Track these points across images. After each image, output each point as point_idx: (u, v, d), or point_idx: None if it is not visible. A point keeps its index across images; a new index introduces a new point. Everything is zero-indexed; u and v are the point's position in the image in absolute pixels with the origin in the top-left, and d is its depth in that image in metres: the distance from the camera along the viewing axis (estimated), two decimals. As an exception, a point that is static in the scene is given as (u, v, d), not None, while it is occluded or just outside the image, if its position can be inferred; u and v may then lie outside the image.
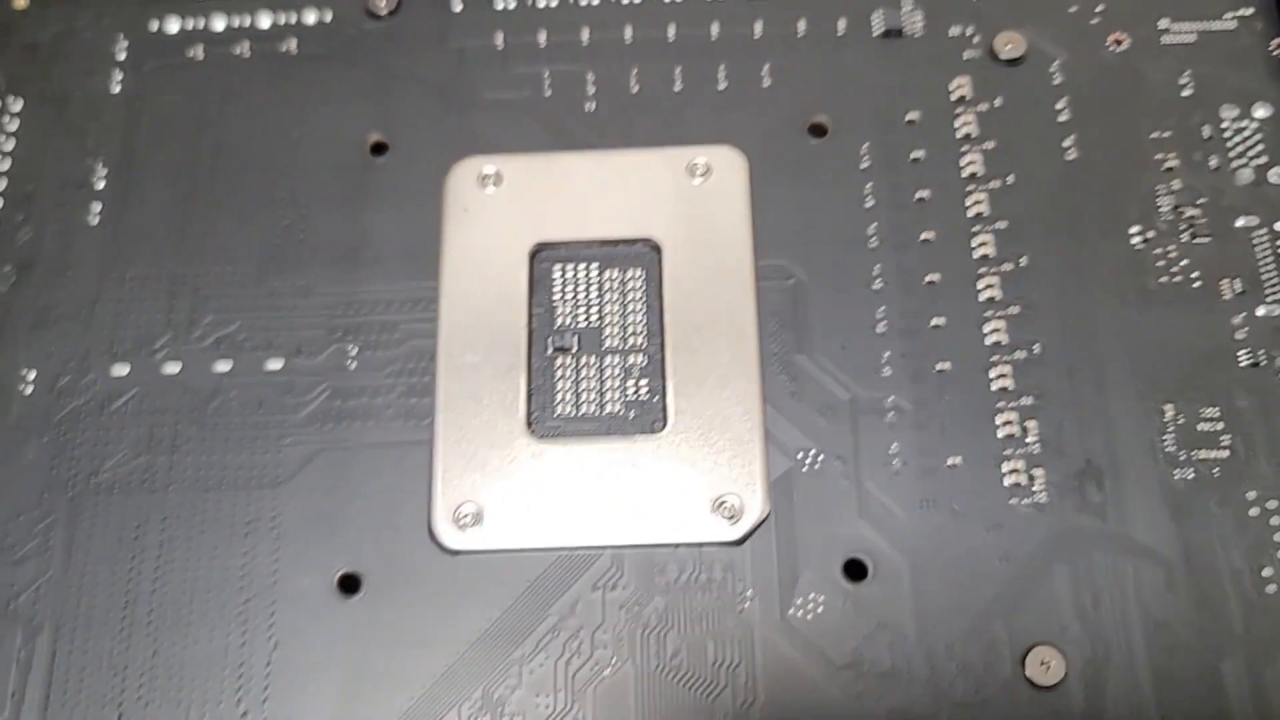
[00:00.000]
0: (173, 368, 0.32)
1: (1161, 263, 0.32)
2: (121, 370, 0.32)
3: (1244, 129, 0.33)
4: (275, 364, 0.32)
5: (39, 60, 0.36)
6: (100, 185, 0.34)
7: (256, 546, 0.30)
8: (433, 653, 0.29)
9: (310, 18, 0.36)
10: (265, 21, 0.36)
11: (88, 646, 0.30)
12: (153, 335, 0.32)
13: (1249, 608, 0.29)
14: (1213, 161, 0.33)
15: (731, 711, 0.28)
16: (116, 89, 0.36)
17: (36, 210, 0.34)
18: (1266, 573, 0.29)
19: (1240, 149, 0.33)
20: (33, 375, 0.32)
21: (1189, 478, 0.30)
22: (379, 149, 0.34)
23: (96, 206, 0.34)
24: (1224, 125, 0.33)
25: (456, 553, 0.30)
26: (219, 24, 0.36)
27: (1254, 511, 0.29)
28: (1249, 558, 0.29)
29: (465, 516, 0.30)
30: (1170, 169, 0.33)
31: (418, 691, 0.29)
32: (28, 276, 0.33)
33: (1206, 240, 0.32)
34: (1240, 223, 0.32)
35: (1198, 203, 0.33)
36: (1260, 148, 0.33)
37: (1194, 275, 0.32)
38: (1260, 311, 0.31)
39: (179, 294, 0.33)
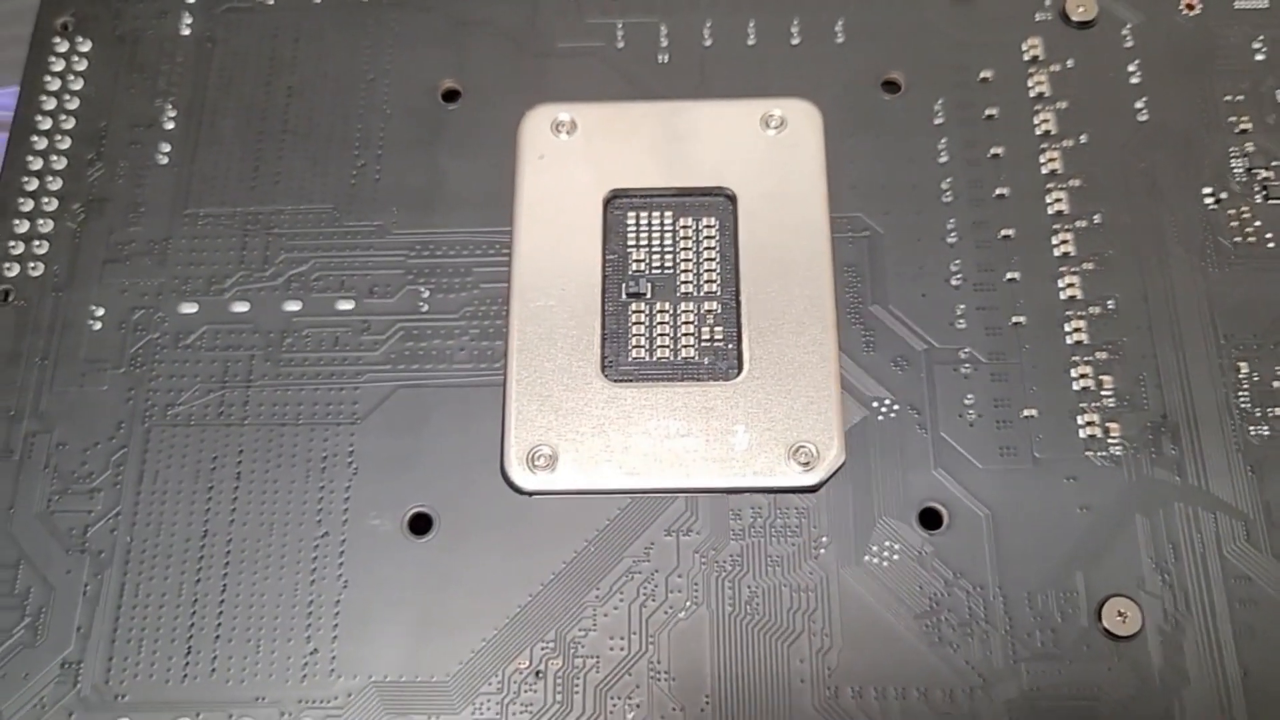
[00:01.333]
0: (242, 306, 0.32)
1: (1235, 223, 0.32)
2: (190, 308, 0.32)
3: (1317, 93, 0.33)
4: (347, 305, 0.31)
5: (109, 1, 0.36)
6: (170, 126, 0.34)
7: (330, 483, 0.30)
8: (504, 594, 0.28)
9: (383, -38, 0.36)
10: (337, -34, 0.36)
11: (158, 580, 0.29)
12: (224, 274, 0.32)
13: (1326, 562, 0.28)
14: (1286, 121, 0.33)
15: (807, 657, 0.28)
16: (186, 30, 0.35)
17: (106, 149, 0.34)
18: (1343, 529, 0.28)
19: (1314, 113, 0.33)
20: (100, 312, 0.32)
21: (1264, 434, 0.29)
22: (451, 96, 0.34)
23: (166, 146, 0.34)
24: (1298, 87, 0.33)
25: (530, 494, 0.29)
26: (291, -32, 0.36)
27: (1330, 469, 0.29)
28: (1326, 515, 0.29)
29: (539, 458, 0.29)
30: (1244, 131, 0.33)
31: (489, 633, 0.28)
32: (98, 214, 0.33)
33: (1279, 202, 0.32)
34: (1314, 185, 0.32)
35: (1272, 165, 0.32)
36: (1334, 111, 0.33)
37: (1268, 236, 0.31)
38: (1334, 273, 0.31)
39: (252, 233, 0.32)
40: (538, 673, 0.28)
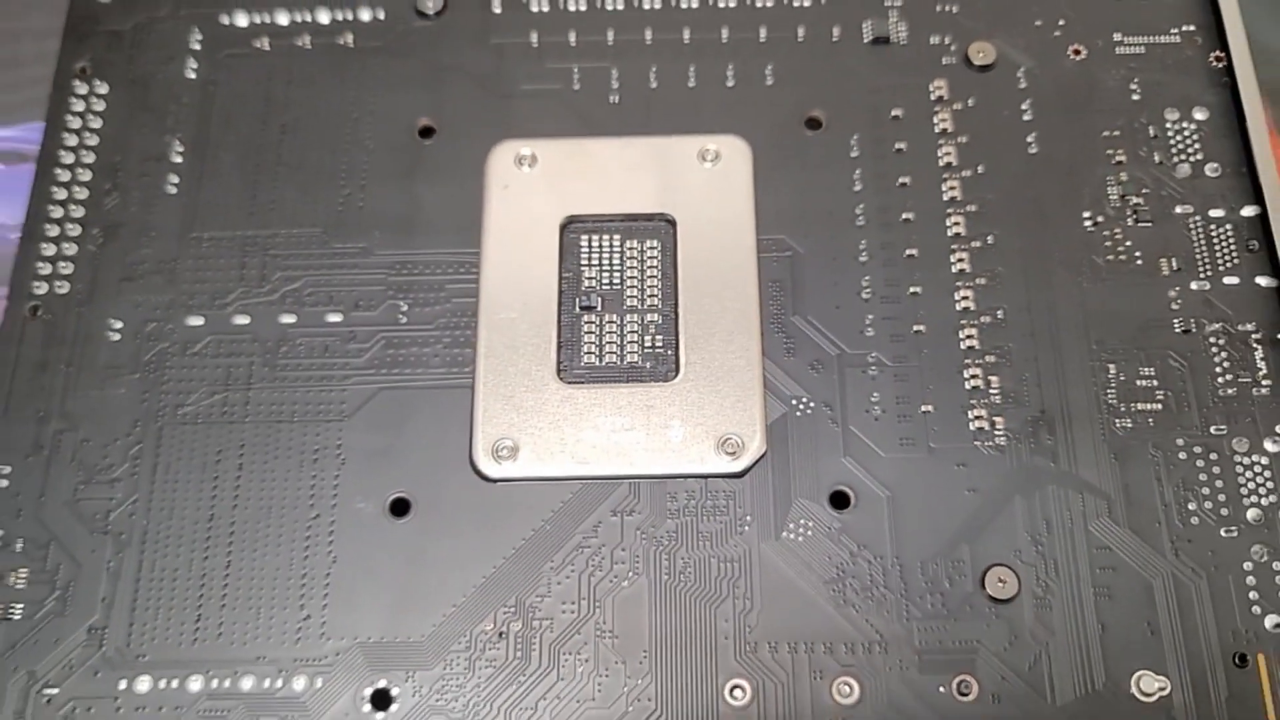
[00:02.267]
0: (242, 319, 0.36)
1: (1109, 243, 0.36)
2: (197, 321, 0.36)
3: (1184, 129, 0.37)
4: (335, 317, 0.36)
5: (122, 48, 0.39)
6: (177, 159, 0.38)
7: (321, 473, 0.34)
8: (472, 567, 0.33)
9: (365, 15, 0.39)
10: (324, 17, 0.40)
11: (171, 558, 0.33)
12: (226, 290, 0.36)
13: (1176, 535, 0.32)
14: (1156, 157, 0.37)
15: (731, 618, 0.32)
16: (191, 74, 0.39)
17: (121, 180, 0.37)
18: (1190, 506, 0.33)
19: (1180, 147, 0.37)
20: (119, 325, 0.36)
21: (1128, 426, 0.34)
22: (427, 132, 0.38)
23: (174, 178, 0.38)
24: (1167, 126, 0.37)
25: (494, 481, 0.33)
26: (283, 18, 0.40)
27: (1182, 455, 0.33)
28: (1177, 494, 0.33)
29: (502, 450, 0.33)
30: (1119, 163, 0.37)
31: (459, 599, 0.32)
32: (114, 238, 0.37)
33: (1149, 225, 0.36)
34: (1178, 210, 0.36)
35: (1142, 192, 0.36)
36: (1198, 146, 0.37)
37: (1137, 254, 0.36)
38: (1193, 286, 0.35)
39: (250, 254, 0.36)
40: (500, 633, 0.32)
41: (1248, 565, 0.32)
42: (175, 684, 0.31)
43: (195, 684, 0.31)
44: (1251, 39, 0.39)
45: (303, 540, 0.33)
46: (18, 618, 0.32)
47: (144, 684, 0.31)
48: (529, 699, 0.31)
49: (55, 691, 0.31)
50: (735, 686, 0.31)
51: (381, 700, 0.31)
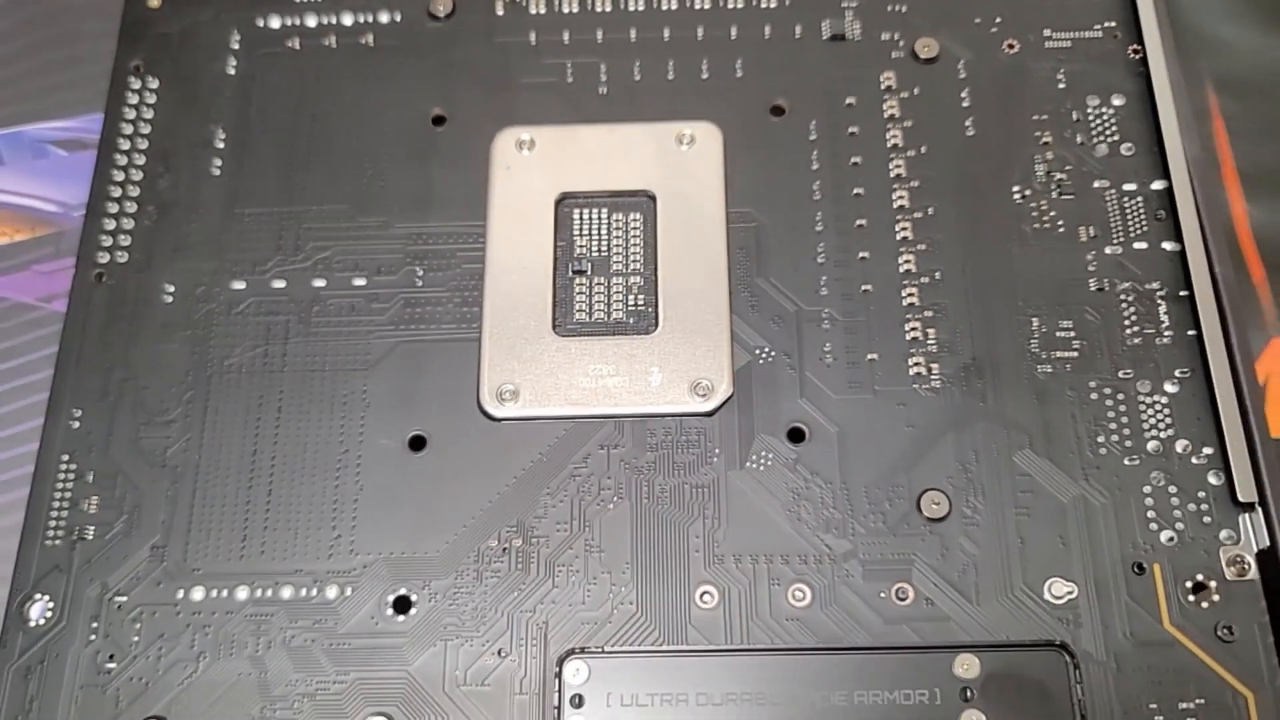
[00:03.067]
0: (279, 283, 0.41)
1: (1035, 213, 0.41)
2: (240, 285, 0.41)
3: (1104, 114, 0.42)
4: (360, 281, 0.41)
5: (170, 48, 0.44)
6: (220, 145, 0.43)
7: (349, 415, 0.39)
8: (480, 493, 0.37)
9: (384, 17, 0.44)
10: (348, 20, 0.44)
11: (220, 487, 0.38)
12: (265, 258, 0.41)
13: (1087, 464, 0.37)
14: (1078, 138, 0.42)
15: (701, 535, 0.37)
16: (231, 71, 0.44)
17: (172, 164, 0.42)
18: (1100, 439, 0.37)
19: (1100, 129, 0.42)
20: (172, 289, 0.41)
21: (1048, 371, 0.38)
22: (438, 121, 0.43)
23: (218, 161, 0.42)
24: (1089, 110, 0.42)
25: (499, 420, 0.38)
26: (311, 21, 0.45)
27: (1094, 396, 0.38)
28: (1089, 429, 0.37)
29: (505, 393, 0.38)
30: (1046, 143, 0.42)
31: (468, 521, 0.37)
32: (167, 214, 0.42)
33: (1070, 197, 0.41)
34: (1096, 185, 0.41)
35: (1065, 169, 0.41)
36: (1115, 128, 0.42)
37: (1060, 223, 0.40)
38: (1108, 251, 0.40)
39: (286, 227, 0.41)
40: (504, 549, 0.37)
41: (1147, 489, 0.37)
42: (225, 593, 0.36)
43: (242, 593, 0.36)
44: (1200, 31, 0.43)
45: (334, 472, 0.38)
46: (90, 538, 0.37)
47: (198, 593, 0.36)
48: (528, 604, 0.36)
49: (124, 599, 0.36)
50: (704, 592, 0.36)
51: (402, 605, 0.36)
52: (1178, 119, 0.41)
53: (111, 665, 0.36)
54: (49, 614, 0.36)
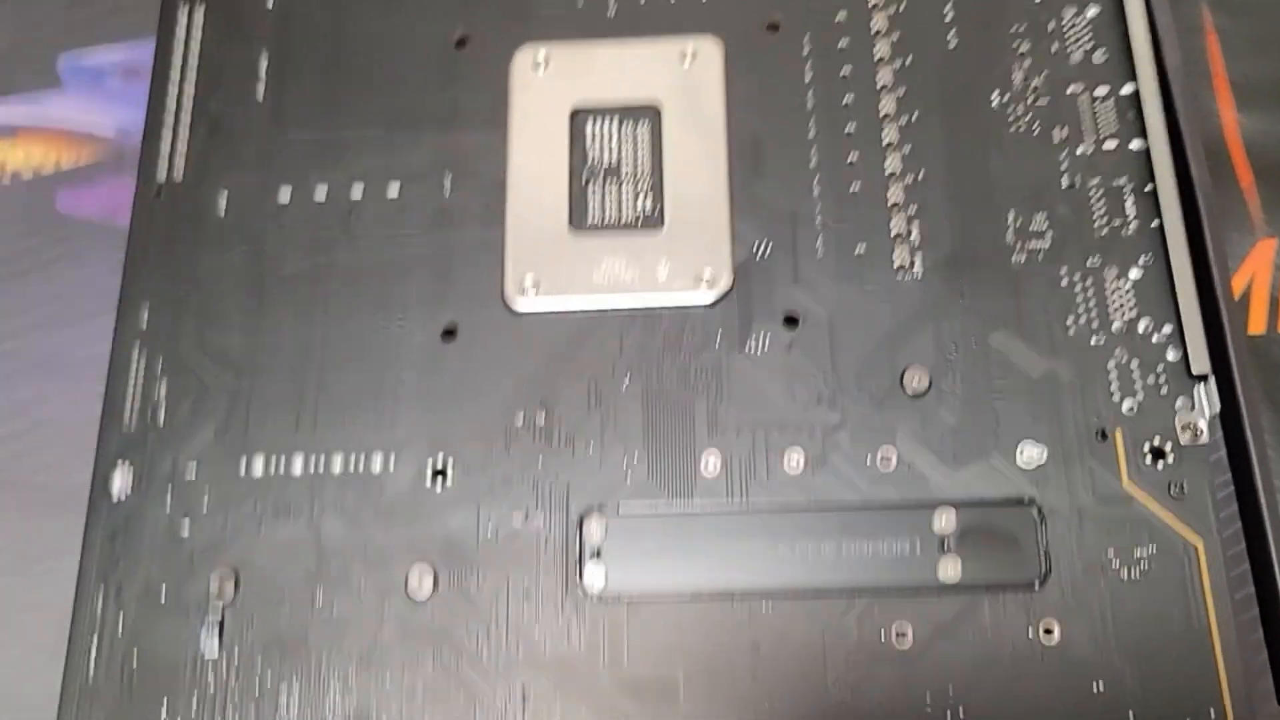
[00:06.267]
0: (321, 194, 0.44)
1: (1013, 117, 0.44)
2: (285, 197, 0.45)
3: (1078, 23, 0.45)
4: (394, 191, 0.44)
5: (216, -18, 0.48)
6: (263, 71, 0.47)
7: (389, 312, 0.43)
8: (505, 377, 0.41)
9: (411, -50, 0.48)
10: (378, -46, 0.48)
11: (276, 379, 0.42)
12: (307, 173, 0.45)
13: (1057, 343, 0.41)
14: (1054, 47, 0.45)
15: (706, 408, 0.40)
16: (270, 4, 0.48)
17: (221, 89, 0.46)
18: (1069, 321, 0.41)
19: (1074, 37, 0.45)
20: (224, 201, 0.45)
21: (1021, 260, 0.42)
22: (461, 43, 0.46)
23: (262, 86, 0.46)
24: (1064, 20, 0.45)
25: (521, 313, 0.42)
26: (344, -44, 0.48)
27: (1064, 282, 0.41)
28: (1059, 313, 0.41)
29: (527, 288, 0.42)
30: (1023, 53, 0.45)
31: (497, 401, 0.41)
32: (218, 133, 0.46)
33: (1045, 101, 0.44)
34: (1069, 89, 0.44)
35: (1041, 75, 0.44)
36: (1089, 36, 0.45)
37: (1035, 126, 0.44)
38: (1079, 150, 0.43)
39: (326, 145, 0.45)
40: (529, 424, 0.41)
41: (1111, 365, 0.40)
42: (282, 466, 0.41)
43: (298, 466, 0.41)
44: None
45: (377, 364, 0.42)
46: (162, 422, 0.42)
47: (259, 466, 0.41)
48: (550, 470, 0.40)
49: (194, 473, 0.41)
50: (709, 460, 0.40)
51: (440, 474, 0.40)
52: (1161, 31, 0.44)
53: (185, 531, 0.40)
54: (129, 486, 0.41)
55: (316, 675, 0.38)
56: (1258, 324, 0.48)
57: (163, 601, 0.39)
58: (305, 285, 0.43)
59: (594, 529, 0.39)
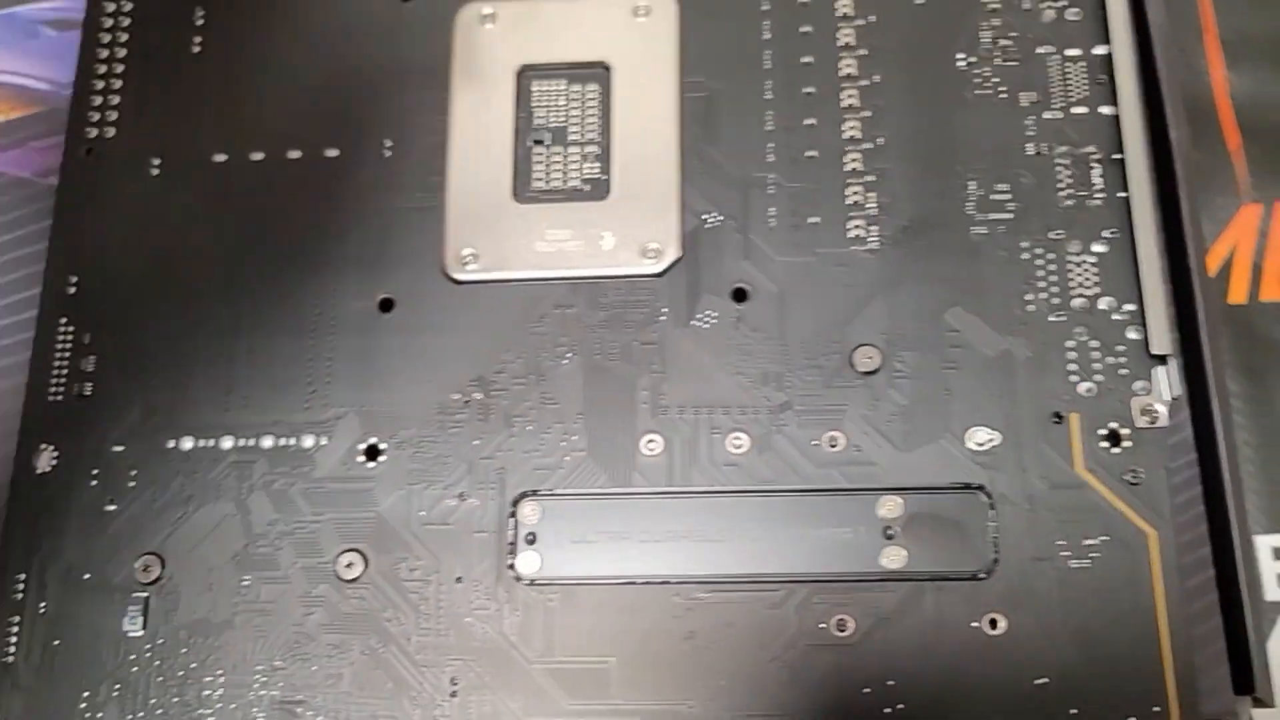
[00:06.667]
0: (258, 155, 0.42)
1: (979, 79, 0.41)
2: (221, 157, 0.43)
3: (1051, -20, 0.43)
4: (332, 152, 0.43)
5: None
6: (200, 23, 0.44)
7: (320, 281, 0.41)
8: (443, 351, 0.40)
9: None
10: (319, -102, 0.46)
11: (205, 348, 0.41)
12: (244, 131, 0.43)
13: (1014, 319, 0.39)
14: (1025, 4, 0.42)
15: (648, 386, 0.39)
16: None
17: (153, 43, 0.44)
18: (1028, 297, 0.39)
19: (1047, -5, 0.43)
20: (158, 162, 0.43)
21: (982, 232, 0.40)
22: (406, -2, 0.44)
23: (198, 38, 0.44)
24: (1037, -24, 0.43)
25: (461, 283, 0.41)
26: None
27: (1025, 255, 0.39)
28: (1018, 287, 0.39)
29: (467, 257, 0.41)
30: (994, 9, 0.42)
31: (435, 374, 0.40)
32: (150, 91, 0.44)
33: (1015, 63, 0.42)
34: (1039, 50, 0.42)
35: (1010, 35, 0.42)
36: (1062, -6, 0.43)
37: (1002, 89, 0.41)
38: (1046, 115, 0.41)
39: (263, 100, 0.43)
40: (465, 402, 0.39)
41: (1070, 343, 0.39)
42: (212, 443, 0.40)
43: (227, 443, 0.40)
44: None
45: (311, 331, 0.41)
46: (90, 394, 0.40)
47: (187, 443, 0.40)
48: (487, 450, 0.39)
49: (121, 449, 0.40)
50: (650, 440, 0.39)
51: (372, 453, 0.39)
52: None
53: (111, 508, 0.39)
54: (54, 463, 0.40)
55: (242, 660, 0.38)
56: (1239, 294, 0.46)
57: (86, 581, 0.38)
58: (237, 248, 0.42)
59: (529, 512, 0.38)
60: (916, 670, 0.36)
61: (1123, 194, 0.40)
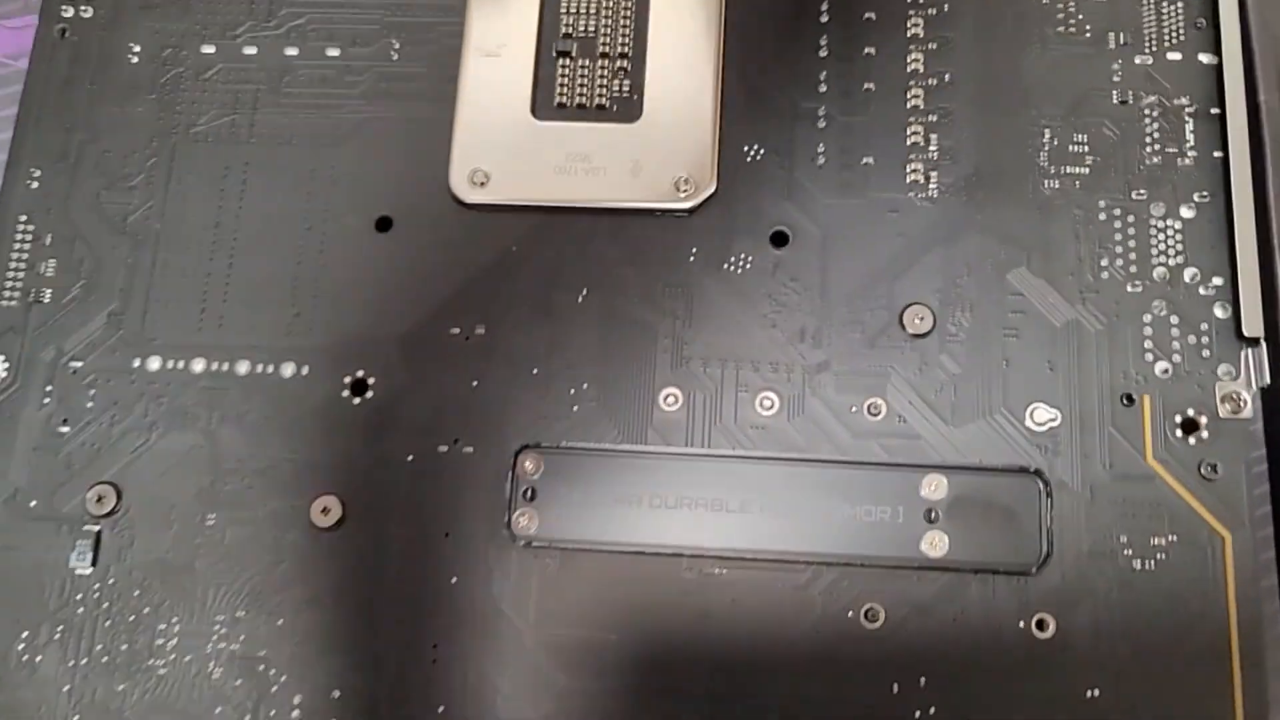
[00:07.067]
0: (251, 49, 0.38)
1: (1062, 15, 0.37)
2: (209, 49, 0.38)
3: (1151, -92, 0.38)
4: (334, 51, 0.38)
5: None
6: (195, -101, 0.40)
7: (315, 191, 0.37)
8: (444, 279, 0.36)
9: None
10: None
11: (180, 258, 0.36)
12: (236, 23, 0.39)
13: (1086, 286, 0.35)
14: (1120, -68, 0.38)
15: (670, 334, 0.35)
16: None
17: (143, -85, 0.40)
18: (1104, 263, 0.35)
19: (1145, -76, 0.38)
20: (138, 49, 0.38)
21: (1055, 187, 0.36)
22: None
23: (193, -83, 0.40)
24: (1134, -95, 0.38)
25: (469, 206, 0.36)
26: None
27: (1102, 216, 0.35)
28: (1092, 251, 0.35)
29: (477, 178, 0.36)
30: (1083, -64, 0.38)
31: (434, 304, 0.35)
32: (135, -31, 0.39)
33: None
34: (1133, -14, 0.37)
35: (1100, -34, 0.38)
36: (1163, -76, 0.38)
37: (1087, 27, 0.37)
38: (1137, 60, 0.36)
39: (259, -11, 0.39)
40: (466, 338, 0.35)
41: (1147, 318, 0.34)
42: (181, 364, 0.35)
43: (198, 365, 0.35)
44: None
45: (297, 249, 0.36)
46: (47, 301, 0.36)
47: (154, 363, 0.35)
48: (487, 393, 0.35)
49: (79, 365, 0.36)
50: (669, 395, 0.34)
51: (359, 388, 0.35)
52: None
53: (64, 429, 0.35)
54: (3, 374, 0.35)
55: (201, 608, 0.34)
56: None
57: (32, 508, 0.34)
58: (223, 151, 0.37)
59: (529, 466, 0.34)
60: (952, 671, 0.32)
61: (1219, 154, 0.35)
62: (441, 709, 0.33)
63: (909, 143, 0.36)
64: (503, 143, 0.36)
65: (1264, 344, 0.34)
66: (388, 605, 0.33)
